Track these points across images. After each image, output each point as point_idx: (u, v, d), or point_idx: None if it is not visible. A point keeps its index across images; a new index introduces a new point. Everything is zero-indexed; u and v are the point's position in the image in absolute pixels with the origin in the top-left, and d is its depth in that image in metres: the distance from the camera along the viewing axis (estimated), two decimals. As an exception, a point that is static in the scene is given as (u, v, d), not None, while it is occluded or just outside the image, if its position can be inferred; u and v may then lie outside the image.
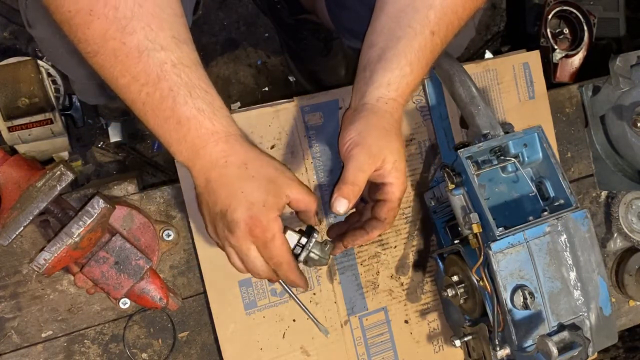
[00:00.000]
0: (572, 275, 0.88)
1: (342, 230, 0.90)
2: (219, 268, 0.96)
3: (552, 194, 0.94)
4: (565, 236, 0.88)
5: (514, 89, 1.11)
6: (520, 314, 0.85)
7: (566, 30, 1.42)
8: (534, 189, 0.94)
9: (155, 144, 1.59)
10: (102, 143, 1.54)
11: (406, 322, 1.07)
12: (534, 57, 1.13)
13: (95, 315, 0.95)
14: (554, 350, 0.79)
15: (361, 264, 1.04)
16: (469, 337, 0.96)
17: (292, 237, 0.79)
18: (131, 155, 1.56)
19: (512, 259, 0.85)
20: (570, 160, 1.18)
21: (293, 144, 1.00)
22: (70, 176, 0.78)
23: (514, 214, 0.94)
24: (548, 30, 1.39)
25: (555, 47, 1.39)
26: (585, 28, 1.41)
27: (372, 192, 0.83)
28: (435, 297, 1.08)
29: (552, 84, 1.35)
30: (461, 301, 0.94)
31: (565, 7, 1.41)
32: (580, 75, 1.39)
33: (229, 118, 0.72)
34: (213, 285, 0.97)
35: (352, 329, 1.04)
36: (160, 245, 0.93)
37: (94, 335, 0.96)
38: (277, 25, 1.57)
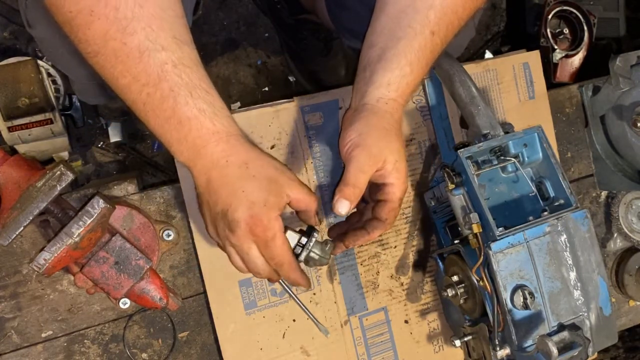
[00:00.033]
0: (572, 275, 0.88)
1: (342, 230, 0.90)
2: (219, 268, 0.96)
3: (552, 194, 0.94)
4: (565, 236, 0.88)
5: (514, 89, 1.11)
6: (520, 314, 0.85)
7: (566, 30, 1.42)
8: (534, 189, 0.94)
9: (155, 144, 1.59)
10: (102, 143, 1.54)
11: (406, 322, 1.07)
12: (534, 57, 1.13)
13: (95, 315, 0.95)
14: (554, 350, 0.79)
15: (361, 264, 1.04)
16: (469, 337, 0.96)
17: (292, 237, 0.79)
18: (131, 155, 1.56)
19: (512, 259, 0.85)
20: (570, 160, 1.18)
21: (293, 144, 1.00)
22: (70, 176, 0.78)
23: (514, 214, 0.94)
24: (548, 30, 1.39)
25: (555, 47, 1.39)
26: (585, 28, 1.41)
27: (373, 193, 0.83)
28: (435, 297, 1.08)
29: (552, 84, 1.35)
30: (461, 301, 0.94)
31: (565, 7, 1.41)
32: (580, 75, 1.39)
33: (230, 118, 0.72)
34: (213, 285, 0.97)
35: (352, 329, 1.04)
36: (160, 245, 0.93)
37: (94, 335, 0.96)
38: (277, 25, 1.57)
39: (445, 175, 0.89)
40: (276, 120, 1.00)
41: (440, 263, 1.02)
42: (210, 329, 0.99)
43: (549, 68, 1.38)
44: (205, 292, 0.98)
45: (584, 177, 1.20)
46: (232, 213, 0.71)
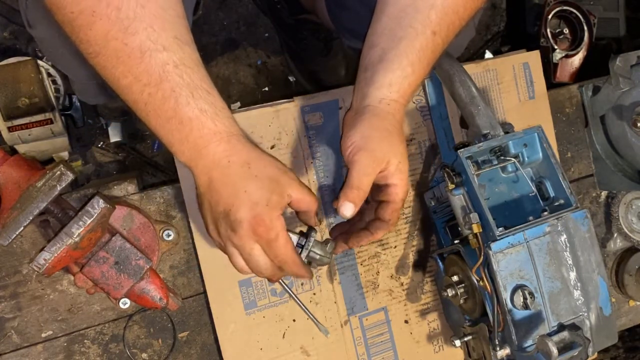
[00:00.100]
0: (572, 275, 0.88)
1: (344, 230, 0.90)
2: (219, 268, 0.96)
3: (552, 194, 0.94)
4: (565, 236, 0.88)
5: (514, 89, 1.11)
6: (520, 314, 0.85)
7: (566, 30, 1.42)
8: (534, 189, 0.94)
9: (155, 144, 1.59)
10: (102, 143, 1.54)
11: (406, 322, 1.07)
12: (534, 57, 1.13)
13: (95, 315, 0.95)
14: (554, 350, 0.79)
15: (361, 264, 1.04)
16: (469, 337, 0.96)
17: (292, 238, 0.80)
18: (131, 155, 1.56)
19: (512, 259, 0.85)
20: (570, 160, 1.18)
21: (293, 144, 1.00)
22: (70, 176, 0.78)
23: (514, 214, 0.94)
24: (548, 30, 1.39)
25: (555, 47, 1.39)
26: (585, 28, 1.41)
27: (375, 193, 0.83)
28: (435, 297, 1.08)
29: (552, 84, 1.35)
30: (461, 301, 0.94)
31: (565, 7, 1.41)
32: (580, 75, 1.39)
33: (231, 119, 0.72)
34: (213, 285, 0.97)
35: (352, 329, 1.04)
36: (160, 245, 0.93)
37: (94, 335, 0.96)
38: (277, 25, 1.57)
39: (445, 175, 0.89)
40: (276, 120, 1.00)
41: (440, 263, 1.02)
42: (210, 329, 1.00)
43: (549, 68, 1.37)
44: (205, 292, 0.98)
45: (584, 177, 1.20)
46: (235, 213, 0.71)
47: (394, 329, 1.06)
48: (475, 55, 1.75)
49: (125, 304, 0.88)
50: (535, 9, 1.45)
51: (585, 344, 0.83)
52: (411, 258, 1.07)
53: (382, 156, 0.78)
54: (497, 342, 0.88)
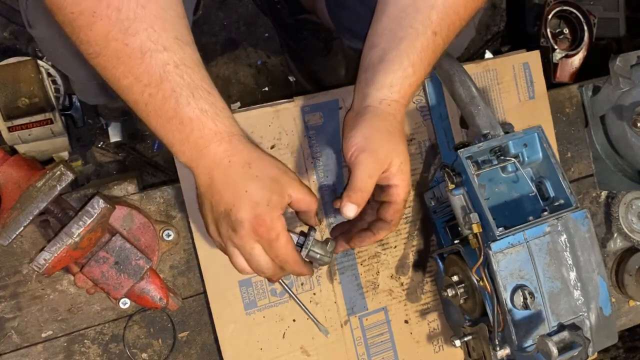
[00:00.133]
0: (572, 275, 0.88)
1: (344, 229, 0.90)
2: (219, 268, 0.96)
3: (552, 194, 0.94)
4: (565, 236, 0.88)
5: (514, 89, 1.11)
6: (520, 314, 0.85)
7: (566, 30, 1.42)
8: (534, 189, 0.94)
9: (155, 144, 1.59)
10: (102, 143, 1.54)
11: (406, 322, 1.07)
12: (534, 57, 1.13)
13: (95, 315, 0.95)
14: (554, 350, 0.79)
15: (361, 264, 1.04)
16: (469, 337, 0.96)
17: (292, 237, 0.80)
18: (131, 155, 1.56)
19: (512, 259, 0.85)
20: (570, 160, 1.18)
21: (293, 144, 1.00)
22: (70, 176, 0.78)
23: (514, 214, 0.94)
24: (548, 30, 1.39)
25: (555, 47, 1.39)
26: (585, 28, 1.41)
27: (377, 194, 0.83)
28: (435, 297, 1.08)
29: (552, 84, 1.35)
30: (461, 301, 0.94)
31: (565, 7, 1.41)
32: (580, 75, 1.39)
33: (232, 119, 0.72)
34: (213, 285, 0.97)
35: (352, 329, 1.04)
36: (160, 245, 0.93)
37: (94, 335, 0.96)
38: (277, 25, 1.57)
39: (445, 175, 0.89)
40: (276, 120, 1.00)
41: (440, 263, 1.02)
42: (210, 329, 1.00)
43: (549, 68, 1.37)
44: (205, 292, 0.98)
45: (584, 177, 1.20)
46: (236, 213, 0.71)
47: (394, 329, 1.06)
48: (475, 55, 1.75)
49: (125, 304, 0.88)
50: (535, 9, 1.45)
51: (585, 344, 0.83)
52: (411, 258, 1.07)
53: (384, 157, 0.78)
54: (497, 342, 0.88)
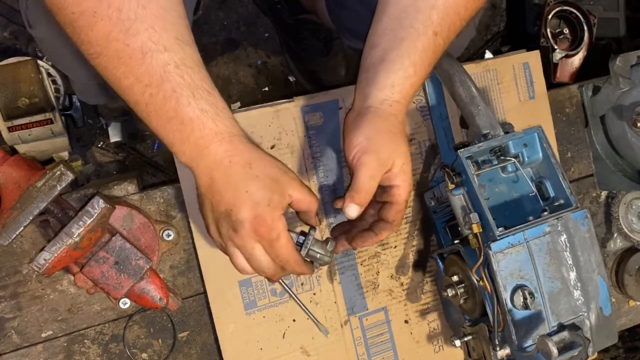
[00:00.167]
0: (572, 275, 0.88)
1: (344, 229, 0.90)
2: (219, 268, 0.96)
3: (552, 194, 0.94)
4: (565, 236, 0.88)
5: (514, 89, 1.11)
6: (520, 314, 0.85)
7: (566, 30, 1.42)
8: (534, 189, 0.94)
9: (155, 144, 1.59)
10: (102, 143, 1.54)
11: (406, 322, 1.07)
12: (534, 57, 1.13)
13: (95, 315, 0.95)
14: (554, 350, 0.79)
15: (361, 264, 1.04)
16: (469, 337, 0.96)
17: (293, 237, 0.80)
18: (131, 155, 1.56)
19: (512, 259, 0.85)
20: (570, 160, 1.18)
21: (293, 144, 1.00)
22: (70, 176, 0.78)
23: (514, 214, 0.94)
24: (548, 30, 1.39)
25: (555, 47, 1.39)
26: (585, 28, 1.41)
27: (378, 194, 0.83)
28: (435, 297, 1.08)
29: (552, 84, 1.35)
30: (461, 301, 0.94)
31: (565, 7, 1.41)
32: (580, 75, 1.39)
33: (232, 119, 0.72)
34: (213, 285, 0.97)
35: (352, 329, 1.04)
36: (160, 245, 0.93)
37: (94, 335, 0.96)
38: (277, 25, 1.57)
39: (445, 175, 0.89)
40: (276, 120, 1.00)
41: (440, 263, 1.02)
42: (210, 329, 1.00)
43: (549, 68, 1.37)
44: (205, 292, 0.98)
45: (584, 177, 1.20)
46: (236, 213, 0.71)
47: (394, 329, 1.06)
48: (475, 55, 1.75)
49: (125, 304, 0.88)
50: (535, 9, 1.45)
51: (585, 344, 0.83)
52: (411, 258, 1.07)
53: (386, 158, 0.78)
54: (497, 342, 0.88)
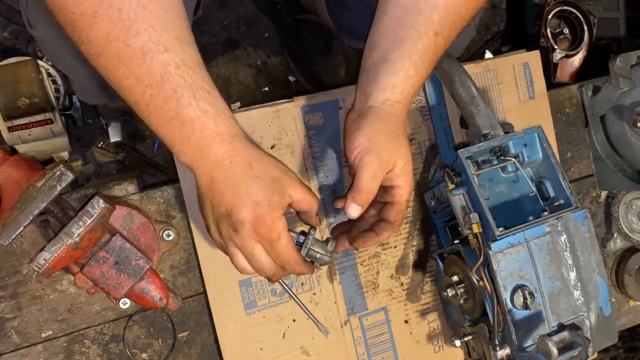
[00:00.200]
0: (572, 275, 0.88)
1: (345, 229, 0.91)
2: (219, 268, 0.96)
3: (552, 194, 0.94)
4: (565, 236, 0.88)
5: (514, 89, 1.11)
6: (520, 314, 0.85)
7: (566, 30, 1.42)
8: (534, 189, 0.94)
9: (155, 144, 1.59)
10: (102, 143, 1.54)
11: (406, 322, 1.07)
12: (534, 57, 1.13)
13: (95, 315, 0.95)
14: (554, 350, 0.79)
15: (361, 264, 1.04)
16: (469, 337, 0.96)
17: (293, 237, 0.80)
18: (131, 155, 1.56)
19: (512, 259, 0.85)
20: (570, 160, 1.18)
21: (293, 144, 1.00)
22: (70, 176, 0.78)
23: (514, 214, 0.94)
24: (548, 30, 1.39)
25: (555, 47, 1.39)
26: (585, 28, 1.41)
27: (379, 194, 0.83)
28: (435, 297, 1.08)
29: (552, 84, 1.35)
30: (461, 301, 0.94)
31: (565, 7, 1.41)
32: (580, 75, 1.39)
33: (233, 119, 0.72)
34: (213, 285, 0.97)
35: (352, 329, 1.04)
36: (160, 245, 0.93)
37: (94, 335, 0.96)
38: (277, 25, 1.57)
39: (445, 175, 0.89)
40: (276, 120, 1.00)
41: (440, 263, 1.02)
42: (210, 329, 1.00)
43: (549, 68, 1.37)
44: (205, 292, 0.98)
45: (584, 177, 1.20)
46: (237, 214, 0.71)
47: (394, 329, 1.06)
48: (475, 55, 1.75)
49: (125, 304, 0.88)
50: (535, 9, 1.45)
51: (585, 344, 0.83)
52: (411, 258, 1.07)
53: (388, 158, 0.78)
54: (497, 342, 0.88)
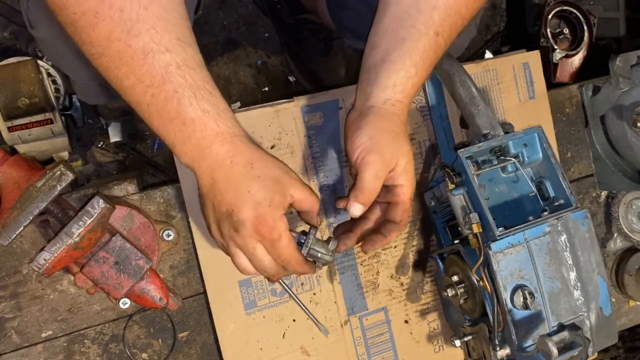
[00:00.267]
0: (572, 275, 0.88)
1: (347, 228, 0.90)
2: (219, 268, 0.96)
3: (552, 194, 0.94)
4: (565, 236, 0.88)
5: (514, 89, 1.11)
6: (520, 314, 0.85)
7: (566, 30, 1.42)
8: (534, 189, 0.94)
9: (155, 144, 1.59)
10: (102, 143, 1.54)
11: (406, 322, 1.07)
12: (534, 57, 1.13)
13: (95, 315, 0.95)
14: (554, 350, 0.79)
15: (361, 264, 1.04)
16: (469, 337, 0.96)
17: (294, 237, 0.80)
18: (131, 155, 1.56)
19: (512, 259, 0.85)
20: (570, 160, 1.18)
21: (293, 144, 1.00)
22: (70, 176, 0.78)
23: (514, 214, 0.94)
24: (548, 30, 1.39)
25: (555, 47, 1.39)
26: (585, 28, 1.41)
27: (382, 194, 0.83)
28: (435, 297, 1.08)
29: (552, 84, 1.35)
30: (461, 301, 0.94)
31: (565, 7, 1.41)
32: (580, 75, 1.39)
33: (234, 119, 0.72)
34: (213, 285, 0.97)
35: (352, 329, 1.04)
36: (160, 245, 0.93)
37: (94, 335, 0.96)
38: (277, 25, 1.57)
39: (445, 175, 0.89)
40: (276, 120, 1.00)
41: (440, 263, 1.02)
42: (210, 329, 1.00)
43: (549, 68, 1.38)
44: (205, 292, 0.98)
45: (584, 177, 1.20)
46: (238, 213, 0.71)
47: (394, 329, 1.06)
48: (475, 55, 1.75)
49: (125, 304, 0.88)
50: (535, 9, 1.45)
51: (585, 344, 0.83)
52: (411, 258, 1.07)
53: (390, 158, 0.78)
54: (497, 342, 0.88)
